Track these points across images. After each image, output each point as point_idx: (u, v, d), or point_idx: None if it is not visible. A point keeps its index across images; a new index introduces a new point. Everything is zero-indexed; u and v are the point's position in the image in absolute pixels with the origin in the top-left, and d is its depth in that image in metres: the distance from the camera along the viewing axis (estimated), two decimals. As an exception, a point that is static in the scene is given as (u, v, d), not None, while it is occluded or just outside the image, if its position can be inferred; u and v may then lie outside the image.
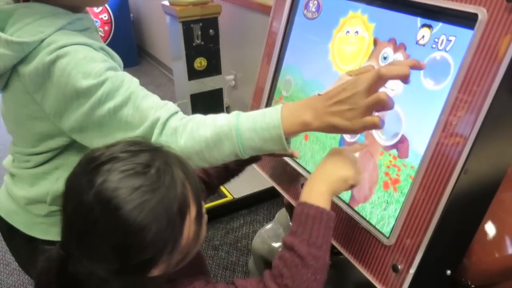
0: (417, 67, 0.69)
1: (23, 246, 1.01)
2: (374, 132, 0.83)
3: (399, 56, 0.81)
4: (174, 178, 0.59)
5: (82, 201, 0.56)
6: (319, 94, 0.71)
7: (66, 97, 0.77)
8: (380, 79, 0.65)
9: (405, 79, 0.67)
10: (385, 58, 0.83)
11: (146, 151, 0.61)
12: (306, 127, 0.70)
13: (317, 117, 0.69)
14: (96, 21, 4.18)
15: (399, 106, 0.78)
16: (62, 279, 0.61)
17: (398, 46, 0.81)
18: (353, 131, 0.70)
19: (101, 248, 0.57)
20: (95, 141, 0.79)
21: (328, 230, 0.67)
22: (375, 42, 0.85)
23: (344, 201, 0.87)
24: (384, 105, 0.65)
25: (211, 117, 0.75)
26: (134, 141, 0.63)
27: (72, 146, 0.88)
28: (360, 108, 0.66)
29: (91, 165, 0.59)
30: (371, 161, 0.83)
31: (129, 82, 0.78)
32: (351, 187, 0.73)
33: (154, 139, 0.74)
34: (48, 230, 0.96)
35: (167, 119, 0.74)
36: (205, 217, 0.67)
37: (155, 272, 0.60)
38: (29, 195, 0.94)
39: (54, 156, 0.90)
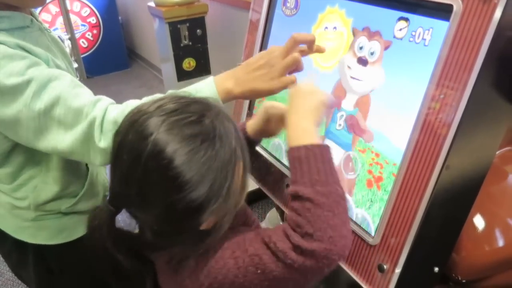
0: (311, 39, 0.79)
1: (13, 250, 1.00)
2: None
3: (375, 44, 0.79)
4: (226, 130, 0.59)
5: (140, 153, 0.56)
6: (239, 65, 0.78)
7: None
8: (294, 42, 0.74)
9: (311, 43, 0.77)
10: (361, 48, 0.82)
11: (197, 102, 0.61)
12: (229, 95, 0.77)
13: (238, 84, 0.76)
14: (84, 25, 4.15)
15: (379, 102, 0.77)
16: (115, 234, 0.62)
17: (373, 33, 0.80)
18: (273, 92, 0.77)
19: (160, 196, 0.57)
20: (30, 140, 0.77)
21: (327, 162, 0.63)
22: (354, 33, 0.84)
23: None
24: (298, 64, 0.75)
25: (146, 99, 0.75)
26: (181, 95, 0.63)
27: (34, 157, 0.86)
28: (276, 70, 0.74)
29: (142, 116, 0.58)
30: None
31: (57, 80, 0.75)
32: (328, 107, 0.72)
33: (97, 141, 0.73)
34: (36, 234, 0.95)
35: (104, 116, 0.73)
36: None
37: (205, 225, 0.61)
38: (13, 202, 0.93)
39: (23, 168, 0.89)
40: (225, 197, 0.59)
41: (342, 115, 0.86)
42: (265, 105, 0.80)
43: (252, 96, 0.81)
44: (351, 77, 0.84)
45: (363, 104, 0.81)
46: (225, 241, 0.65)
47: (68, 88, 0.75)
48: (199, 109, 0.59)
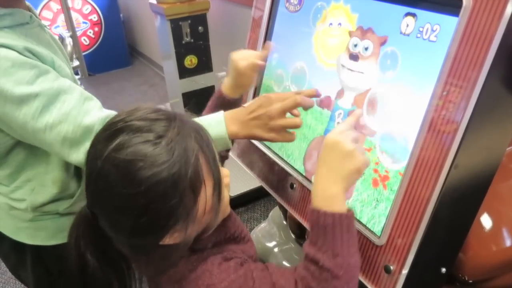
0: (314, 95, 0.83)
1: (12, 251, 1.00)
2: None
3: (367, 42, 0.79)
4: (186, 151, 0.57)
5: (95, 166, 0.57)
6: (243, 106, 0.81)
7: None
8: (295, 104, 0.78)
9: (308, 108, 0.82)
10: (355, 45, 0.82)
11: (163, 120, 0.59)
12: (235, 136, 0.81)
13: (242, 128, 0.79)
14: (86, 23, 4.14)
15: (385, 99, 0.75)
16: (89, 234, 0.64)
17: (365, 31, 0.80)
18: (272, 141, 0.82)
19: (112, 213, 0.59)
20: (36, 144, 0.79)
21: (351, 232, 0.63)
22: (350, 35, 0.84)
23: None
24: (297, 127, 0.80)
25: None
26: (154, 108, 0.62)
27: (35, 155, 0.85)
28: (276, 125, 0.78)
29: (108, 131, 0.59)
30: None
31: (66, 94, 0.76)
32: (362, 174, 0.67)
33: None
34: (35, 235, 0.95)
35: None
36: (226, 191, 0.67)
37: (169, 240, 0.61)
38: (10, 203, 0.93)
39: (22, 170, 0.88)
40: (186, 219, 0.58)
41: (340, 113, 0.85)
42: (233, 58, 0.88)
43: (255, 139, 0.86)
44: (346, 70, 0.84)
45: (360, 102, 0.80)
46: (220, 262, 0.66)
47: (78, 104, 0.76)
48: (160, 129, 0.57)
